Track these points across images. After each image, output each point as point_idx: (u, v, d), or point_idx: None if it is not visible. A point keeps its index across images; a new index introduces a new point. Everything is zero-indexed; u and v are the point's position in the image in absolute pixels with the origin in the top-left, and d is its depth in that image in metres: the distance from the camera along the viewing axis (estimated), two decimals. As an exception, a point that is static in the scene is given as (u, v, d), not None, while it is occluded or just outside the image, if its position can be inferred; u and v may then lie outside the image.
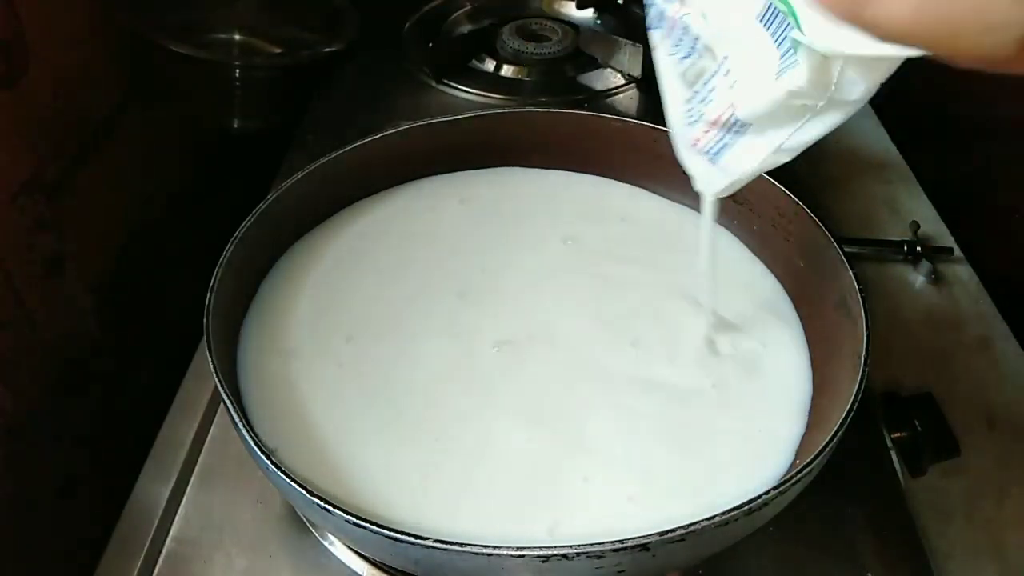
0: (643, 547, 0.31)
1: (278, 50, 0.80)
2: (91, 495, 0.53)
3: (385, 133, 0.52)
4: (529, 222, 0.53)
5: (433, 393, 0.42)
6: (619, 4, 0.85)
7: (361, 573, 0.42)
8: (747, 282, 0.49)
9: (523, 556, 0.31)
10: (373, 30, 0.78)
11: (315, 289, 0.48)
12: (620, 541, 0.31)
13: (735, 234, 0.51)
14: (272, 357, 0.44)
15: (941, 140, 0.83)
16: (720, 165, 0.28)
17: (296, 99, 0.73)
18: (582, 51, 0.78)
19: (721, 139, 0.26)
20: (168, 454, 0.48)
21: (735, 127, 0.26)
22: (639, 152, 0.53)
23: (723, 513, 0.32)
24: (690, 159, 0.29)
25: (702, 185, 0.30)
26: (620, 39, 0.74)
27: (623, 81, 0.75)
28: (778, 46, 0.22)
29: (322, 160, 0.49)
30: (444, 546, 0.31)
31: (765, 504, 0.32)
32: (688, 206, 0.53)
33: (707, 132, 0.26)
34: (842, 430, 0.35)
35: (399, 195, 0.54)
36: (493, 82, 0.75)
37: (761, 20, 0.23)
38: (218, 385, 0.37)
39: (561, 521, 0.37)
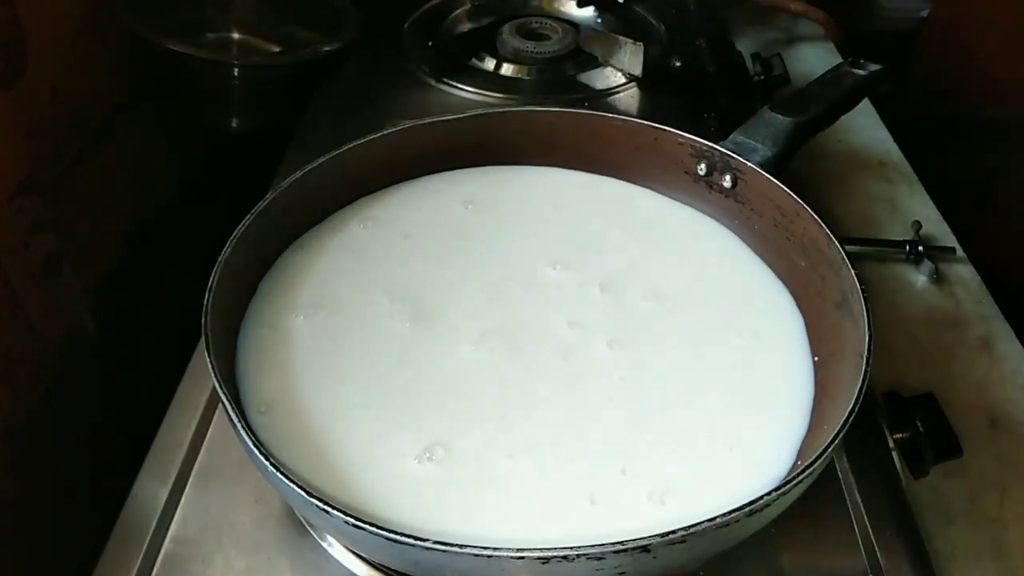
0: (643, 548, 0.31)
1: (277, 49, 0.80)
2: (91, 495, 0.53)
3: (385, 133, 0.51)
4: (529, 222, 0.52)
5: (437, 395, 0.42)
6: (619, 3, 0.85)
7: (360, 574, 0.42)
8: (748, 282, 0.49)
9: (523, 557, 0.31)
10: (373, 30, 0.78)
11: (314, 289, 0.47)
12: (620, 542, 0.31)
13: (737, 234, 0.51)
14: (271, 358, 0.44)
15: (943, 139, 0.82)
16: None
17: (296, 99, 0.72)
18: (582, 50, 0.78)
19: None
20: (167, 454, 0.47)
21: None
22: (639, 151, 0.53)
23: (724, 514, 0.32)
24: None
25: None
26: (620, 38, 0.74)
27: (623, 80, 0.75)
28: None
29: (322, 159, 0.49)
30: (443, 547, 0.31)
31: (767, 505, 0.32)
32: (689, 205, 0.53)
33: None
34: (844, 431, 0.35)
35: (399, 195, 0.54)
36: (493, 81, 0.75)
37: None
38: (216, 386, 0.37)
39: (554, 536, 0.36)
